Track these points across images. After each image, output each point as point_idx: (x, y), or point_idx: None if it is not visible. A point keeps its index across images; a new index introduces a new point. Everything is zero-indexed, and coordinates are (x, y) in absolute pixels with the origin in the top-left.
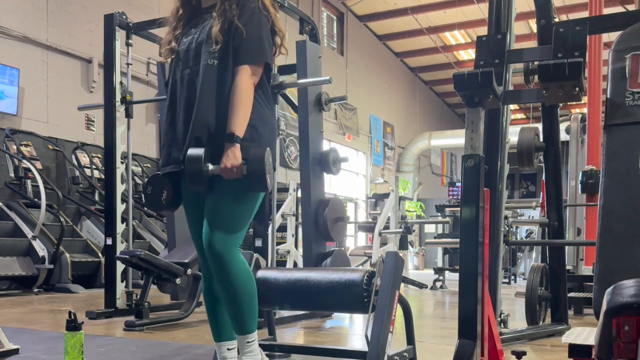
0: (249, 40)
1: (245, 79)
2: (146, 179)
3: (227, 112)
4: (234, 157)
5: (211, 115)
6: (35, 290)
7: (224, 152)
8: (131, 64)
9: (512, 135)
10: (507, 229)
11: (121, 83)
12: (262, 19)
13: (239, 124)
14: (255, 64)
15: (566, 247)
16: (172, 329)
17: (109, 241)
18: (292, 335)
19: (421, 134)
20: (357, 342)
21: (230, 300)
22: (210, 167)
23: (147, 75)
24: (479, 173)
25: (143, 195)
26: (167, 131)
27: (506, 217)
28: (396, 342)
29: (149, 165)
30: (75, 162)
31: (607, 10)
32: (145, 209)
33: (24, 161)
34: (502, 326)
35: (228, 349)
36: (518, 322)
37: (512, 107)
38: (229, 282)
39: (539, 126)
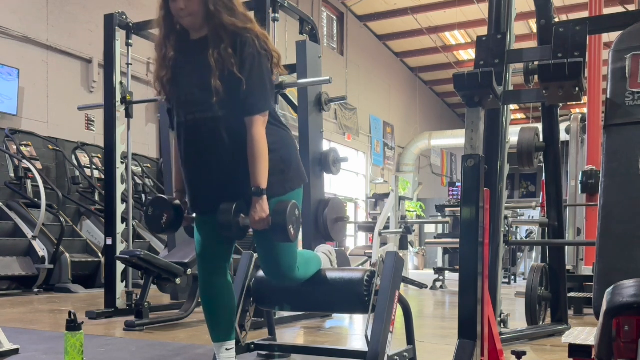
0: (255, 92)
1: (259, 130)
2: (148, 200)
3: (241, 159)
4: (261, 210)
5: (227, 166)
6: (35, 290)
7: (252, 205)
8: (131, 64)
9: (512, 135)
10: (507, 229)
11: (121, 83)
12: (262, 62)
13: (262, 176)
14: (263, 113)
15: (566, 247)
16: (172, 329)
17: (109, 241)
18: (292, 335)
19: (421, 134)
20: (357, 342)
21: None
22: (242, 219)
23: (147, 75)
24: (479, 173)
25: (143, 216)
26: (184, 173)
27: (506, 217)
28: (396, 342)
29: (149, 165)
30: (75, 162)
31: (607, 10)
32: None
33: (24, 161)
34: (502, 326)
35: (227, 349)
36: (518, 322)
37: (512, 107)
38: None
39: (539, 126)
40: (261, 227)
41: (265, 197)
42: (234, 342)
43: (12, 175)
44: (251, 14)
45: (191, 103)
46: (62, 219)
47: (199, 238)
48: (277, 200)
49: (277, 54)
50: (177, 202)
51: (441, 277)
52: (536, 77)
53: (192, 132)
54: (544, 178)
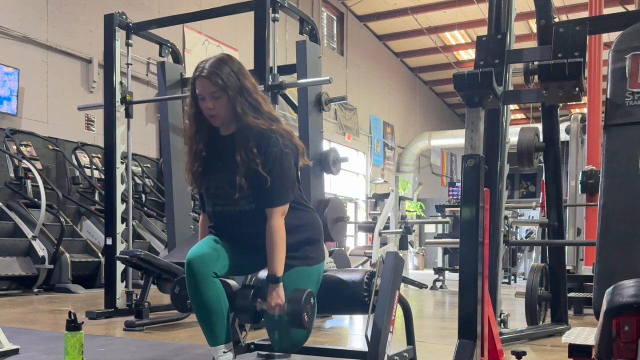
0: (275, 187)
1: (277, 221)
2: (176, 280)
3: (260, 244)
4: (277, 296)
5: (253, 251)
6: (35, 290)
7: (269, 292)
8: (131, 64)
9: (512, 135)
10: (507, 229)
11: (121, 83)
12: (283, 159)
13: (279, 265)
14: (282, 206)
15: (566, 247)
16: (172, 329)
17: (109, 241)
18: None
19: (421, 134)
20: (357, 342)
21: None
22: (259, 303)
23: (147, 75)
24: (479, 173)
25: (170, 295)
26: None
27: (506, 217)
28: (396, 342)
29: (149, 165)
30: (75, 162)
31: (607, 10)
32: (145, 209)
33: (24, 161)
34: (502, 326)
35: (224, 352)
36: (518, 322)
37: (512, 107)
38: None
39: (539, 126)
40: (277, 313)
41: (281, 284)
42: (230, 343)
43: (12, 175)
44: (276, 113)
45: (220, 196)
46: (62, 219)
47: (205, 239)
48: (296, 273)
49: (301, 147)
50: None
51: (441, 277)
52: (536, 77)
53: (221, 221)
54: (544, 178)
